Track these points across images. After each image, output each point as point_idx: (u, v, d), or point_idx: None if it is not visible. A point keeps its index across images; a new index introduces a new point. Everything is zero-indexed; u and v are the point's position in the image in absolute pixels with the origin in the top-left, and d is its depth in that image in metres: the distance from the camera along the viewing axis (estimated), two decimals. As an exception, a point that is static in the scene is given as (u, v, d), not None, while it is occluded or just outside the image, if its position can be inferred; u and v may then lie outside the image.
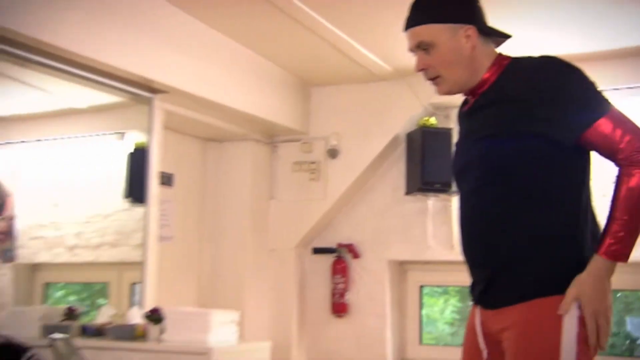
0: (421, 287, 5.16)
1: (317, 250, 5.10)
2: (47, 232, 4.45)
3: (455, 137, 4.36)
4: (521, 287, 1.94)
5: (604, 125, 1.87)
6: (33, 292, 4.57)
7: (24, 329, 3.66)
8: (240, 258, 5.01)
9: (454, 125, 4.68)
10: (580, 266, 1.88)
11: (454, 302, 5.29)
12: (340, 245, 5.00)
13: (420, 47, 2.05)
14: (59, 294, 4.69)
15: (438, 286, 5.31)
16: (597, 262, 1.85)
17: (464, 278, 4.86)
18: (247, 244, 4.98)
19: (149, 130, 4.07)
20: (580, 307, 1.86)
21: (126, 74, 3.69)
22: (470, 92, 2.10)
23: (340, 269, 4.98)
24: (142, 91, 3.95)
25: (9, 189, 4.38)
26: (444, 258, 4.79)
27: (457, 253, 4.45)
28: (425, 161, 4.58)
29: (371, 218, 5.03)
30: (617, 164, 1.89)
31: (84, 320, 3.93)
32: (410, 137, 4.75)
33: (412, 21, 2.08)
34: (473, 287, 2.14)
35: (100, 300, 4.59)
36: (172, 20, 3.89)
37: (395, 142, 4.86)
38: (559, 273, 1.90)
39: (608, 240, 1.82)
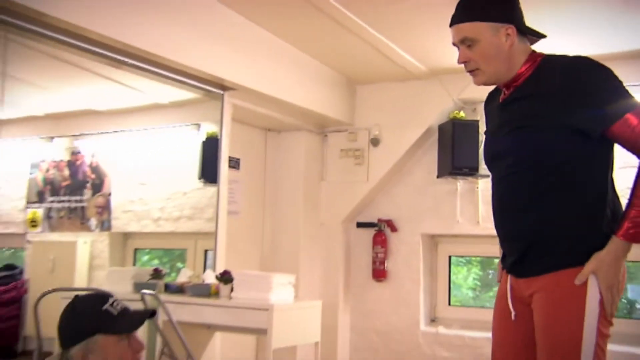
0: (450, 257, 5.11)
1: (361, 225, 5.09)
2: (136, 206, 4.51)
3: (482, 128, 4.31)
4: (550, 260, 1.93)
5: (631, 119, 1.83)
6: (125, 256, 4.64)
7: (120, 285, 3.75)
8: (295, 230, 5.04)
9: (480, 118, 4.60)
10: (601, 243, 1.87)
11: (475, 271, 5.23)
12: (380, 220, 4.99)
13: (464, 42, 2.01)
14: (145, 258, 4.73)
15: (464, 256, 5.23)
16: (615, 243, 1.83)
17: (487, 250, 4.95)
18: (301, 218, 5.01)
19: (219, 122, 4.10)
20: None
21: (201, 74, 3.73)
22: (505, 85, 2.05)
23: (380, 241, 4.96)
24: (214, 88, 3.98)
25: (105, 170, 4.48)
26: (470, 232, 4.77)
27: (481, 228, 4.67)
28: (455, 149, 4.55)
29: (407, 197, 4.99)
30: (639, 156, 1.87)
31: (167, 280, 3.94)
32: (442, 128, 4.71)
33: (459, 18, 2.03)
34: (504, 258, 2.12)
35: (179, 264, 4.65)
36: (239, 27, 3.92)
37: (428, 132, 4.82)
38: (583, 248, 1.88)
39: (626, 224, 1.81)
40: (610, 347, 2.07)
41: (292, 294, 3.69)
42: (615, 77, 1.90)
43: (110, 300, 1.87)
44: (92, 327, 1.81)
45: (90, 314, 1.84)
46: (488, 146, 2.18)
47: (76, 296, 1.93)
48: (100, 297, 1.90)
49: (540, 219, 1.96)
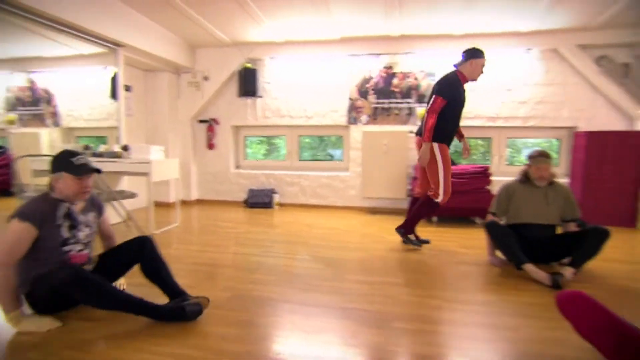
0: (245, 137, 5.57)
1: (201, 121, 5.43)
2: (74, 112, 4.24)
3: (259, 72, 4.93)
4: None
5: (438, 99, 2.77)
6: (70, 140, 4.39)
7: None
8: (164, 123, 5.27)
9: (258, 67, 5.10)
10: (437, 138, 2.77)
11: (264, 147, 5.62)
12: (211, 118, 5.39)
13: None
14: (84, 141, 4.39)
15: (252, 136, 5.54)
16: (427, 144, 2.71)
17: (263, 132, 5.50)
18: (167, 117, 5.26)
19: (117, 65, 4.20)
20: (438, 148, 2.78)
21: (107, 37, 3.84)
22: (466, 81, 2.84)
23: (211, 129, 5.39)
24: (114, 46, 4.07)
25: (52, 92, 4.04)
26: (254, 124, 5.28)
27: (259, 122, 5.18)
28: (245, 82, 5.05)
29: (223, 106, 5.35)
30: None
31: (93, 150, 3.93)
32: (239, 72, 5.11)
33: (464, 57, 2.80)
34: (449, 139, 2.84)
35: (102, 143, 4.38)
36: (132, 15, 4.02)
37: (233, 74, 5.22)
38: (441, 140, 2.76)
39: (425, 136, 2.69)
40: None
41: (163, 155, 3.97)
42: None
43: (77, 156, 1.86)
44: (62, 167, 1.85)
45: (63, 160, 1.86)
46: (460, 100, 2.86)
47: (63, 150, 1.89)
48: (72, 153, 1.87)
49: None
